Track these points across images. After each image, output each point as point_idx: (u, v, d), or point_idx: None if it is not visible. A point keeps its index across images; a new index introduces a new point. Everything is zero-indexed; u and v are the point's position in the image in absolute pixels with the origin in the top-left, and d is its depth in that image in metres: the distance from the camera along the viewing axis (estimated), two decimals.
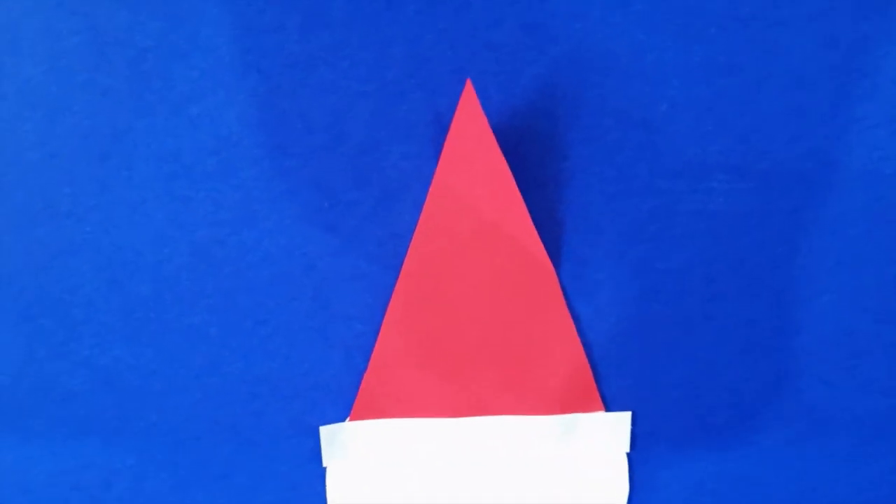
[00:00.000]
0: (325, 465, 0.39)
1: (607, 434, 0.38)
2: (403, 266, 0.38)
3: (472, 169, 0.36)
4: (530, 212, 0.37)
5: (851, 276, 0.39)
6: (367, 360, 0.39)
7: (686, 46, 0.37)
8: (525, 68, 0.37)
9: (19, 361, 0.40)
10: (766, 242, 0.38)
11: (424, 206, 0.37)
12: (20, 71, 0.37)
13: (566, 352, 0.38)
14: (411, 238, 0.38)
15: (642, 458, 0.39)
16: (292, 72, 0.37)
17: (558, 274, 0.38)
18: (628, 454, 0.39)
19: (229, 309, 0.39)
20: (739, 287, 0.39)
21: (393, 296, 0.38)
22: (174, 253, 0.39)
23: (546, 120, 0.37)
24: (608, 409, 0.39)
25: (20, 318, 0.39)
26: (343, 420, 0.39)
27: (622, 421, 0.38)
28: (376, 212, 0.38)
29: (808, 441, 0.40)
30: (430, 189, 0.37)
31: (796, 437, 0.40)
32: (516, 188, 0.36)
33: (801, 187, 0.38)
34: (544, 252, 0.37)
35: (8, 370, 0.40)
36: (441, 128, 0.37)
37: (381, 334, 0.39)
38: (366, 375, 0.39)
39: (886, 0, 0.36)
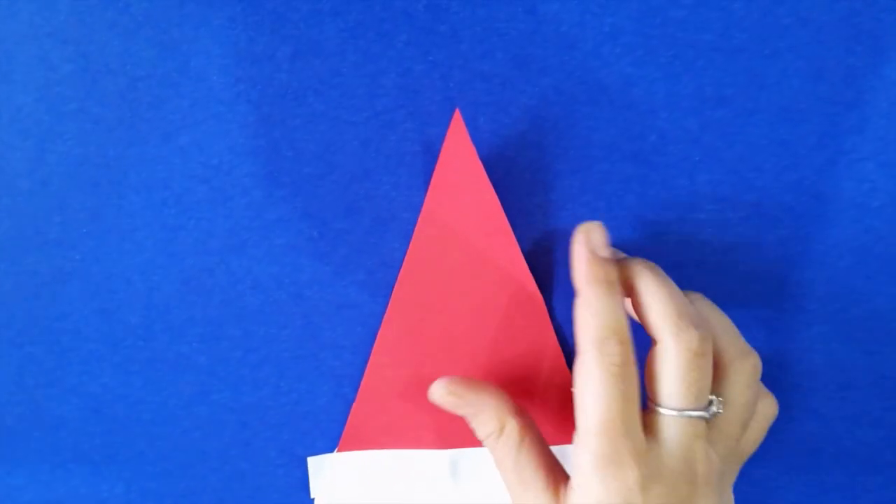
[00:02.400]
0: (312, 496, 0.39)
1: None
2: (392, 295, 0.38)
3: (460, 198, 0.37)
4: (519, 241, 0.37)
5: (840, 307, 0.39)
6: (356, 390, 0.39)
7: (675, 79, 0.37)
8: (515, 99, 0.37)
9: (8, 389, 0.39)
10: (754, 272, 0.38)
11: (413, 236, 0.37)
12: (12, 99, 0.37)
13: (556, 381, 0.38)
14: (400, 267, 0.38)
15: None
16: (283, 101, 0.37)
17: (548, 303, 0.38)
18: None
19: (219, 338, 0.39)
20: (728, 316, 0.38)
21: (382, 325, 0.38)
22: (164, 281, 0.39)
23: (535, 151, 0.37)
24: None
25: (9, 346, 0.39)
26: (332, 450, 0.39)
27: None
28: (366, 241, 0.38)
29: (799, 471, 0.40)
30: (419, 218, 0.37)
31: (788, 468, 0.40)
32: (504, 216, 0.36)
33: (789, 219, 0.38)
34: (533, 281, 0.37)
35: None
36: (431, 157, 0.37)
37: (369, 365, 0.39)
38: (354, 406, 0.39)
39: (873, 34, 0.36)
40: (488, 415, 0.34)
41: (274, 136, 0.38)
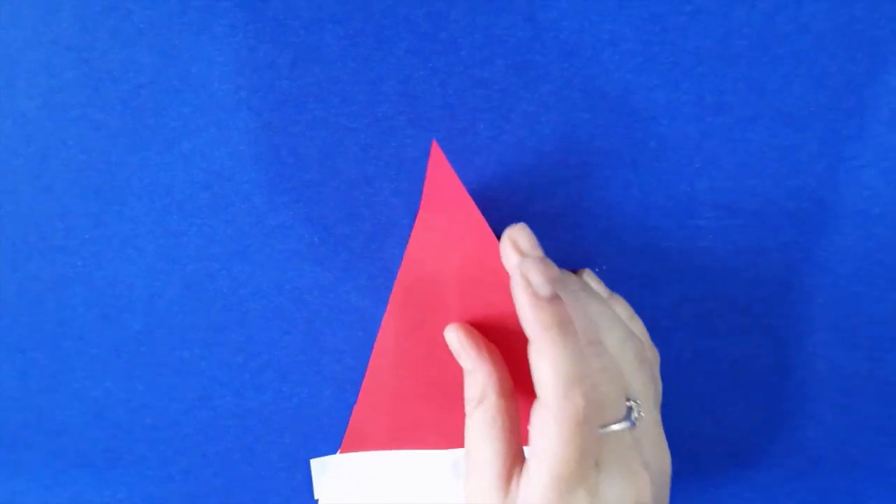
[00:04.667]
0: (316, 497, 0.39)
1: None
2: (390, 299, 0.38)
3: (449, 223, 0.37)
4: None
5: (842, 314, 0.39)
6: (358, 393, 0.39)
7: (674, 85, 0.37)
8: (515, 105, 0.37)
9: (11, 394, 0.40)
10: (755, 279, 0.38)
11: (409, 243, 0.37)
12: (15, 105, 0.38)
13: None
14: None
15: None
16: (284, 108, 0.37)
17: None
18: None
19: (221, 343, 0.39)
20: (730, 324, 0.38)
21: (381, 328, 0.39)
22: (166, 287, 0.39)
23: (535, 157, 0.38)
24: None
25: (12, 351, 0.39)
26: (334, 452, 0.39)
27: None
28: (367, 246, 0.39)
29: (801, 478, 0.40)
30: (409, 242, 0.37)
31: (790, 475, 0.40)
32: (491, 233, 0.36)
33: (789, 225, 0.38)
34: None
35: None
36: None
37: (369, 367, 0.39)
38: (355, 408, 0.39)
39: (873, 41, 0.36)
40: (476, 379, 0.34)
41: (275, 143, 0.38)
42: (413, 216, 0.38)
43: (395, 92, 0.37)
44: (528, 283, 0.31)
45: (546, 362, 0.30)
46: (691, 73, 0.37)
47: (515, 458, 0.33)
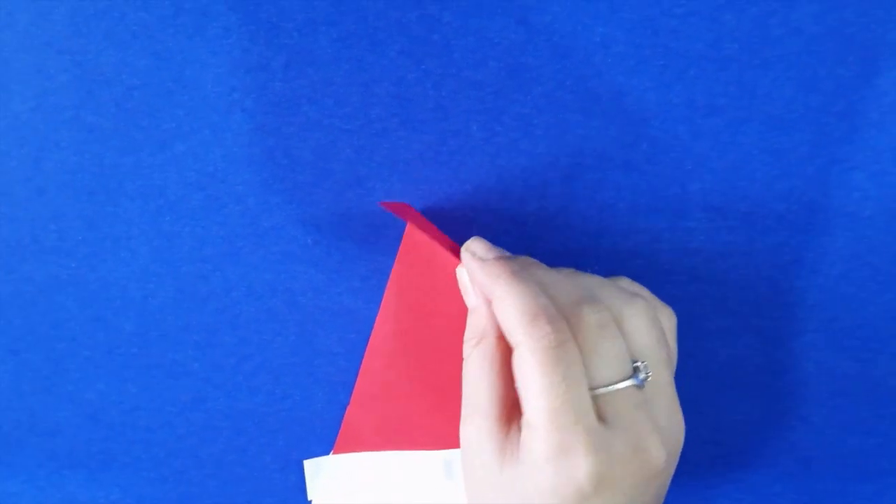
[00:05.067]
0: (309, 498, 0.39)
1: None
2: (383, 300, 0.38)
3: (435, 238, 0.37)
4: (511, 250, 0.37)
5: (832, 315, 0.39)
6: (348, 395, 0.39)
7: (666, 88, 0.37)
8: (507, 108, 0.37)
9: (4, 395, 0.40)
10: (746, 281, 0.39)
11: (399, 251, 0.37)
12: (9, 107, 0.38)
13: None
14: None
15: None
16: (277, 110, 0.38)
17: None
18: None
19: (213, 344, 0.39)
20: (720, 326, 0.39)
21: (373, 330, 0.38)
22: (159, 288, 0.39)
23: (527, 159, 0.38)
24: None
25: (5, 353, 0.40)
26: (327, 454, 0.39)
27: None
28: (360, 248, 0.39)
29: (791, 479, 0.40)
30: (402, 243, 0.37)
31: (780, 475, 0.40)
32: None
33: (780, 227, 0.38)
34: None
35: None
36: (424, 165, 0.38)
37: (362, 368, 0.39)
38: (348, 409, 0.39)
39: (864, 45, 0.36)
40: (478, 317, 0.33)
41: (268, 144, 0.38)
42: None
43: (388, 94, 0.37)
44: (473, 254, 0.33)
45: (503, 304, 0.30)
46: (683, 75, 0.37)
47: (514, 407, 0.31)
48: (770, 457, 0.40)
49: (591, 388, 0.30)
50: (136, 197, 0.38)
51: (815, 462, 0.40)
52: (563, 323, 0.30)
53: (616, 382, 0.30)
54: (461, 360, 0.37)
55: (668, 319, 0.34)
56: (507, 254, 0.34)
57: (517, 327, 0.30)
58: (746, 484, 0.40)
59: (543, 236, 0.39)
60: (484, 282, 0.32)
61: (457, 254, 0.36)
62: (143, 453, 0.40)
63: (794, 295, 0.39)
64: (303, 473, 0.40)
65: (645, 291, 0.35)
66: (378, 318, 0.38)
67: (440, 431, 0.39)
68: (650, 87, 0.37)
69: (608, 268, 0.39)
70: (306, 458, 0.39)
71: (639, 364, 0.31)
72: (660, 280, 0.38)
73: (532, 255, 0.38)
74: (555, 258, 0.39)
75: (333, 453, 0.39)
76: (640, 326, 0.32)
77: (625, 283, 0.35)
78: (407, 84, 0.37)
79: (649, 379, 0.31)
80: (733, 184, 0.38)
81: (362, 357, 0.39)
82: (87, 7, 0.36)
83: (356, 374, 0.39)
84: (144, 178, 0.38)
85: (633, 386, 0.30)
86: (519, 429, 0.30)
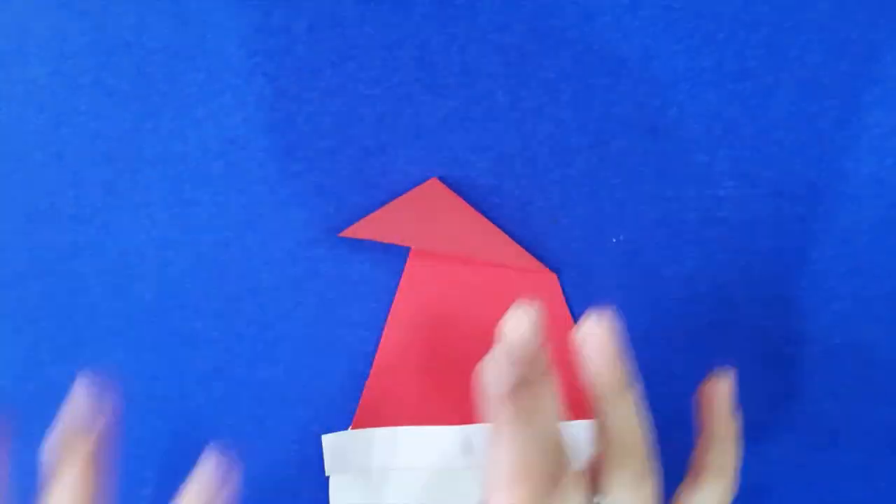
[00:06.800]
0: (327, 473, 0.39)
1: None
2: (405, 271, 0.38)
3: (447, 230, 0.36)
4: (534, 217, 0.37)
5: (861, 284, 0.38)
6: (371, 366, 0.39)
7: (695, 52, 0.36)
8: (533, 73, 0.37)
9: (21, 364, 0.39)
10: (774, 250, 0.38)
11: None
12: (26, 72, 0.37)
13: (570, 360, 0.38)
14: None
15: None
16: (299, 75, 0.37)
17: (562, 282, 0.38)
18: None
19: (233, 314, 0.39)
20: (747, 295, 0.38)
21: (395, 301, 0.38)
22: (178, 256, 0.39)
23: (553, 124, 0.37)
24: None
25: (23, 321, 0.39)
26: (346, 427, 0.39)
27: None
28: None
29: (816, 450, 0.39)
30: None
31: (805, 447, 0.39)
32: (492, 227, 0.36)
33: (810, 195, 0.38)
34: (538, 263, 0.37)
35: (10, 373, 0.40)
36: (448, 130, 0.37)
37: (382, 340, 0.38)
38: (367, 383, 0.39)
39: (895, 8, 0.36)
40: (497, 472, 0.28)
41: (289, 110, 0.37)
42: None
43: (412, 58, 0.37)
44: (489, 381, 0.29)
45: (494, 454, 0.28)
46: (712, 39, 0.36)
47: None
48: (795, 427, 0.39)
49: None
50: (156, 163, 0.38)
51: (841, 433, 0.39)
52: (549, 481, 0.27)
53: None
54: (482, 333, 0.37)
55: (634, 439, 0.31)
56: (531, 362, 0.29)
57: (498, 480, 0.27)
58: (770, 456, 0.40)
59: (567, 204, 0.38)
60: (491, 413, 0.28)
61: (480, 224, 0.35)
62: (161, 424, 0.40)
63: (823, 264, 0.38)
64: (321, 447, 0.39)
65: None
66: (399, 289, 0.38)
67: (459, 407, 0.38)
68: (679, 51, 0.36)
69: (632, 237, 0.38)
70: (325, 431, 0.39)
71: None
72: (686, 250, 0.37)
73: (558, 223, 0.37)
74: (579, 226, 0.38)
75: (352, 428, 0.39)
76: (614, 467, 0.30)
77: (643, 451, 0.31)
78: (431, 48, 0.37)
79: None
80: (763, 150, 0.37)
81: (382, 328, 0.38)
82: None
83: (376, 345, 0.39)
84: (164, 144, 0.38)
85: None
86: None
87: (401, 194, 0.38)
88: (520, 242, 0.38)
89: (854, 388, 0.39)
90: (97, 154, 0.38)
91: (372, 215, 0.37)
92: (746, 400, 0.38)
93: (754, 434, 0.39)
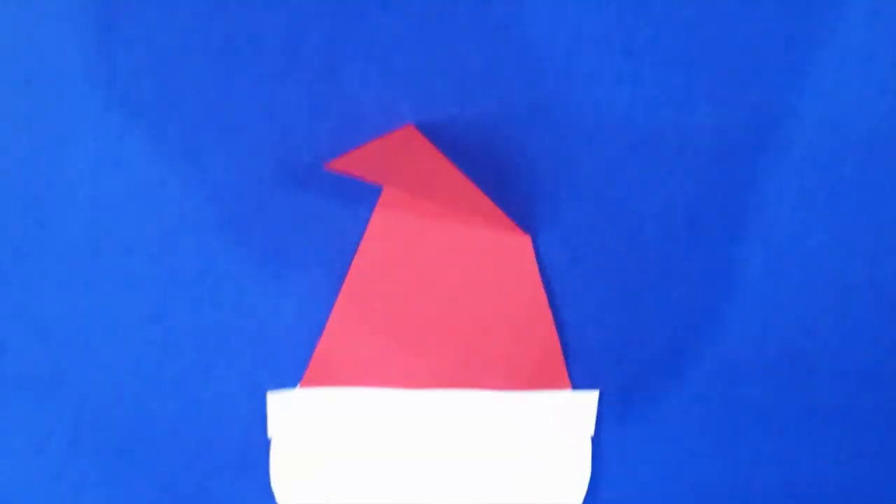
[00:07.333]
0: (269, 434, 0.37)
1: (572, 414, 0.37)
2: (371, 220, 0.36)
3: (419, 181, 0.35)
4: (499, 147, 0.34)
5: (843, 219, 0.37)
6: (325, 317, 0.36)
7: None
8: None
9: None
10: (752, 182, 0.37)
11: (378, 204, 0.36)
12: None
13: (536, 324, 0.37)
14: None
15: (609, 441, 0.38)
16: None
17: (536, 243, 0.36)
18: (593, 437, 0.37)
19: (172, 253, 0.36)
20: (725, 231, 0.37)
21: (360, 246, 0.36)
22: (111, 191, 0.36)
23: (518, 44, 0.35)
24: (575, 388, 0.37)
25: None
26: (296, 383, 0.37)
27: (588, 401, 0.37)
28: (334, 147, 0.36)
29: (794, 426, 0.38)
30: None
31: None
32: (468, 182, 0.34)
33: (794, 121, 0.36)
34: (512, 222, 0.36)
35: None
36: (403, 49, 0.35)
37: (342, 290, 0.36)
38: (322, 338, 0.37)
39: None
40: None
41: (228, 28, 0.35)
42: (387, 113, 0.35)
43: None
44: None
45: None
46: None
47: None
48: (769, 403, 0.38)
49: None
50: (84, 88, 0.35)
51: (817, 414, 0.38)
52: None
53: None
54: (449, 295, 0.36)
55: None
56: None
57: None
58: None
59: (534, 132, 0.36)
60: None
61: (454, 177, 0.34)
62: (95, 373, 0.37)
63: (805, 196, 0.37)
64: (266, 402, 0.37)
65: None
66: (366, 235, 0.36)
67: (420, 370, 0.37)
68: None
69: (603, 167, 0.36)
70: (273, 385, 0.37)
71: None
72: (660, 181, 0.36)
73: (524, 151, 0.35)
74: (548, 154, 0.36)
75: (301, 386, 0.37)
76: None
77: None
78: None
79: None
80: (744, 73, 0.36)
81: (341, 272, 0.36)
82: None
83: (333, 293, 0.36)
84: (92, 65, 0.35)
85: None
86: None
87: (354, 122, 0.36)
88: (495, 200, 0.36)
89: (831, 325, 0.37)
90: (16, 73, 0.35)
91: (348, 154, 0.34)
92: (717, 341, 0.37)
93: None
